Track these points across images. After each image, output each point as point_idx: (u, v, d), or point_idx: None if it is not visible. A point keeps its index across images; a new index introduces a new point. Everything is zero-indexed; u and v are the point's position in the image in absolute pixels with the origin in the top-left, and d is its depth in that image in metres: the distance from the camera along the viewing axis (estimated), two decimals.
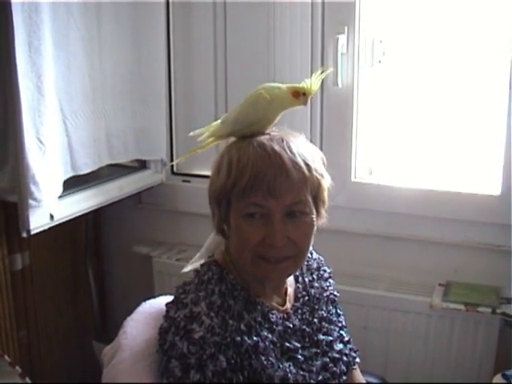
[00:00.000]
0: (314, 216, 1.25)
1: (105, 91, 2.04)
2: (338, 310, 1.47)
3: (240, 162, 1.20)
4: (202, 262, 1.45)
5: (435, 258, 2.22)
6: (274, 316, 1.29)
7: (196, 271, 1.33)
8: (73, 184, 2.02)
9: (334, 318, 1.44)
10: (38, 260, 2.34)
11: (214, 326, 1.17)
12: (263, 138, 1.24)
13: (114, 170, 2.26)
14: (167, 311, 1.26)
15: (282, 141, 1.23)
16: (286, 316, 1.33)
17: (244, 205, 1.20)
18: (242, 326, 1.21)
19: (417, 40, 2.12)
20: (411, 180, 2.20)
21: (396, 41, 2.14)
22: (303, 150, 1.23)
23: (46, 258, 2.38)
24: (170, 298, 1.45)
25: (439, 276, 2.21)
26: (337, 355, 1.38)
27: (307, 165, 1.21)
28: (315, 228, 1.26)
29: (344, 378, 1.38)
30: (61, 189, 1.90)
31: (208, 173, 2.58)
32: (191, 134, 1.37)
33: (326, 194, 1.27)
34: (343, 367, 1.38)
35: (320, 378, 1.31)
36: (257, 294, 1.29)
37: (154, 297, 1.51)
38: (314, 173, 1.23)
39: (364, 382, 1.52)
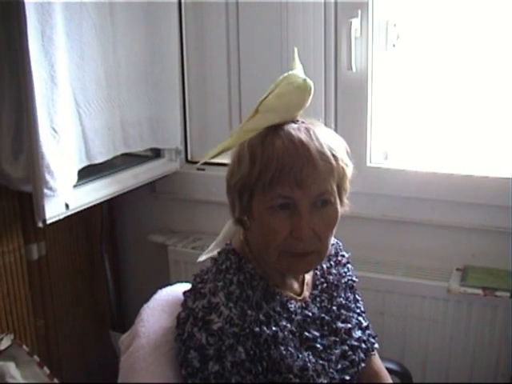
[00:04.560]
0: (338, 205, 1.24)
1: (119, 80, 2.03)
2: (357, 296, 1.47)
3: (265, 154, 1.18)
4: (219, 250, 1.45)
5: (452, 242, 2.20)
6: (293, 305, 1.28)
7: (214, 260, 1.32)
8: (87, 173, 2.01)
9: (353, 305, 1.44)
10: (54, 250, 2.34)
11: (233, 316, 1.17)
12: (289, 128, 1.21)
13: (128, 159, 2.25)
14: (185, 300, 1.26)
15: (308, 130, 1.21)
16: (304, 305, 1.32)
17: (270, 197, 1.19)
18: (261, 316, 1.21)
19: (431, 23, 2.09)
20: (427, 164, 2.18)
21: (410, 24, 2.12)
22: (329, 139, 1.22)
23: (62, 248, 2.39)
24: (186, 286, 1.45)
25: (456, 260, 2.19)
26: (355, 343, 1.37)
27: (334, 155, 1.20)
28: (339, 218, 1.25)
29: (362, 365, 1.38)
30: (76, 178, 1.90)
31: (222, 161, 2.59)
32: (232, 131, 1.32)
33: (348, 182, 1.27)
34: (362, 355, 1.38)
35: (339, 366, 1.31)
36: (275, 284, 1.29)
37: (170, 284, 1.50)
38: (340, 163, 1.22)
39: (383, 367, 1.52)
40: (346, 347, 1.34)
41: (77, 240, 2.46)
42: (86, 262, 2.54)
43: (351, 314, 1.40)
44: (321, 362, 1.27)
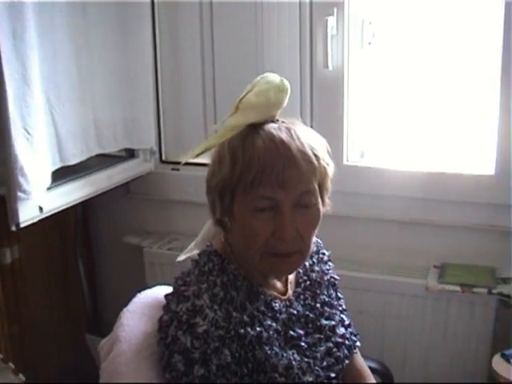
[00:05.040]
0: (320, 205, 1.23)
1: (92, 80, 2.01)
2: (339, 294, 1.47)
3: (246, 154, 1.17)
4: (198, 251, 1.43)
5: (429, 239, 2.21)
6: (277, 304, 1.27)
7: (195, 262, 1.29)
8: (60, 175, 1.98)
9: (335, 302, 1.43)
10: (28, 253, 2.30)
11: (218, 319, 1.15)
12: (270, 127, 1.20)
13: (101, 160, 2.22)
14: (167, 304, 1.23)
15: (289, 130, 1.19)
16: (288, 303, 1.31)
17: (251, 198, 1.17)
18: (245, 317, 1.19)
19: (406, 20, 2.10)
20: (403, 162, 2.18)
21: (385, 22, 2.12)
22: (310, 138, 1.21)
23: (36, 252, 2.35)
24: (165, 289, 1.43)
25: (434, 258, 2.20)
26: (340, 339, 1.37)
27: (315, 155, 1.19)
28: (321, 217, 1.24)
29: (346, 361, 1.38)
30: (49, 180, 1.86)
31: (197, 161, 2.57)
32: (214, 127, 1.30)
33: (329, 182, 1.26)
34: (346, 351, 1.37)
35: (324, 363, 1.31)
36: (259, 284, 1.27)
37: (149, 287, 1.48)
38: (322, 162, 1.21)
39: (366, 366, 1.51)
40: (331, 344, 1.34)
41: (50, 243, 2.43)
42: (60, 265, 2.50)
43: (334, 311, 1.40)
44: (306, 359, 1.26)
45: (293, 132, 1.19)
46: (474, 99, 2.08)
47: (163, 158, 2.54)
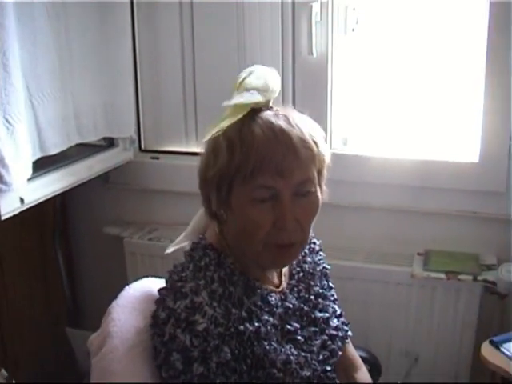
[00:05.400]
0: (319, 193, 1.21)
1: (72, 68, 1.95)
2: (330, 283, 1.45)
3: (244, 144, 1.13)
4: (187, 242, 1.40)
5: (413, 227, 2.22)
6: (273, 298, 1.26)
7: (190, 256, 1.25)
8: (39, 166, 1.92)
9: (328, 293, 1.42)
10: (6, 247, 2.25)
11: (217, 316, 1.13)
12: (267, 115, 1.17)
13: (80, 150, 2.17)
14: (163, 300, 1.20)
15: (287, 117, 1.17)
16: (283, 296, 1.30)
17: (250, 188, 1.14)
18: (243, 313, 1.18)
19: (390, 6, 2.08)
20: (387, 150, 2.18)
21: (369, 8, 2.10)
22: (308, 125, 1.19)
23: (14, 244, 2.30)
24: (154, 281, 1.41)
25: (417, 245, 2.20)
26: (334, 332, 1.36)
27: (315, 142, 1.17)
28: (320, 206, 1.22)
29: (340, 353, 1.37)
30: (30, 171, 1.80)
31: (177, 149, 2.54)
32: (225, 104, 1.20)
33: (326, 169, 1.24)
34: (340, 343, 1.37)
35: (320, 357, 1.30)
36: (255, 278, 1.25)
37: (133, 279, 1.43)
38: (321, 149, 1.19)
39: (357, 355, 1.51)
40: (326, 337, 1.33)
41: (29, 236, 2.38)
42: (40, 257, 2.45)
43: (327, 303, 1.39)
44: (303, 354, 1.25)
45: (291, 119, 1.17)
46: (458, 87, 2.07)
47: (142, 146, 2.49)
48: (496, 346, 1.70)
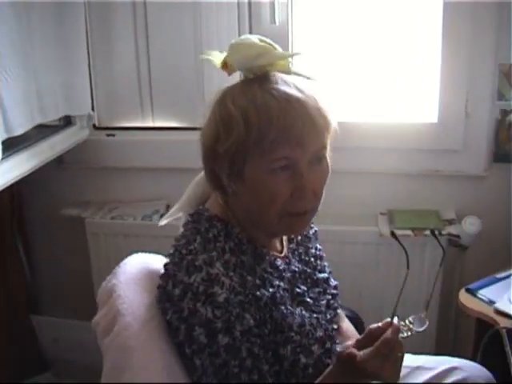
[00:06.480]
0: (329, 159, 1.23)
1: (33, 46, 1.88)
2: (318, 245, 1.48)
3: (261, 117, 1.12)
4: (181, 214, 1.40)
5: (372, 187, 2.26)
6: (280, 263, 1.28)
7: (194, 228, 1.23)
8: None
9: (321, 253, 1.46)
10: None
11: (235, 285, 1.14)
12: (276, 84, 1.15)
13: (38, 131, 2.08)
14: (174, 275, 1.17)
15: (295, 85, 1.16)
16: (287, 260, 1.32)
17: (269, 160, 1.14)
18: (257, 280, 1.19)
19: None
20: (348, 114, 2.22)
21: None
22: (317, 93, 1.18)
23: None
24: (148, 256, 1.41)
25: (379, 205, 2.27)
26: (334, 291, 1.41)
27: (327, 109, 1.18)
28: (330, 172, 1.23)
29: (339, 311, 1.42)
30: (0, 153, 1.74)
31: (133, 125, 2.47)
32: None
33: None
34: (339, 301, 1.42)
35: (328, 316, 1.34)
36: (262, 245, 1.27)
37: (124, 257, 1.39)
38: (333, 116, 1.20)
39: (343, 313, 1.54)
40: (329, 296, 1.38)
41: None
42: None
43: (324, 263, 1.44)
44: (314, 315, 1.29)
45: (304, 88, 1.16)
46: (417, 51, 2.13)
47: (96, 124, 2.42)
48: (472, 293, 1.79)
